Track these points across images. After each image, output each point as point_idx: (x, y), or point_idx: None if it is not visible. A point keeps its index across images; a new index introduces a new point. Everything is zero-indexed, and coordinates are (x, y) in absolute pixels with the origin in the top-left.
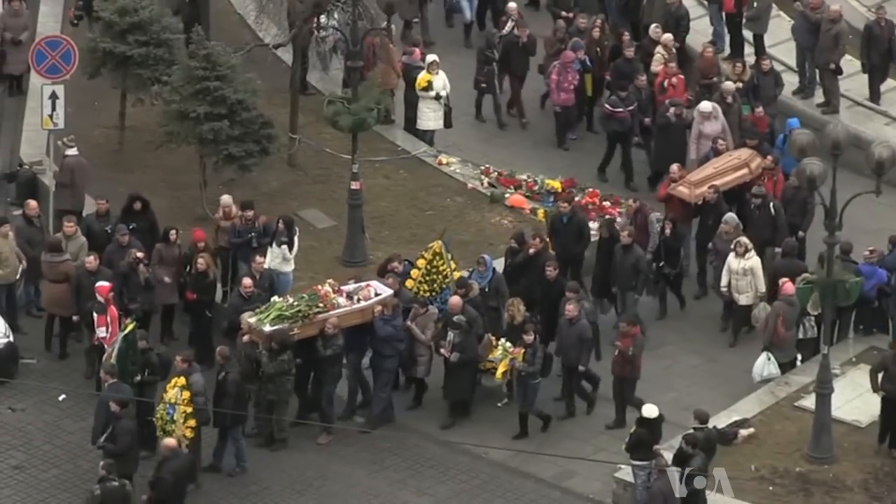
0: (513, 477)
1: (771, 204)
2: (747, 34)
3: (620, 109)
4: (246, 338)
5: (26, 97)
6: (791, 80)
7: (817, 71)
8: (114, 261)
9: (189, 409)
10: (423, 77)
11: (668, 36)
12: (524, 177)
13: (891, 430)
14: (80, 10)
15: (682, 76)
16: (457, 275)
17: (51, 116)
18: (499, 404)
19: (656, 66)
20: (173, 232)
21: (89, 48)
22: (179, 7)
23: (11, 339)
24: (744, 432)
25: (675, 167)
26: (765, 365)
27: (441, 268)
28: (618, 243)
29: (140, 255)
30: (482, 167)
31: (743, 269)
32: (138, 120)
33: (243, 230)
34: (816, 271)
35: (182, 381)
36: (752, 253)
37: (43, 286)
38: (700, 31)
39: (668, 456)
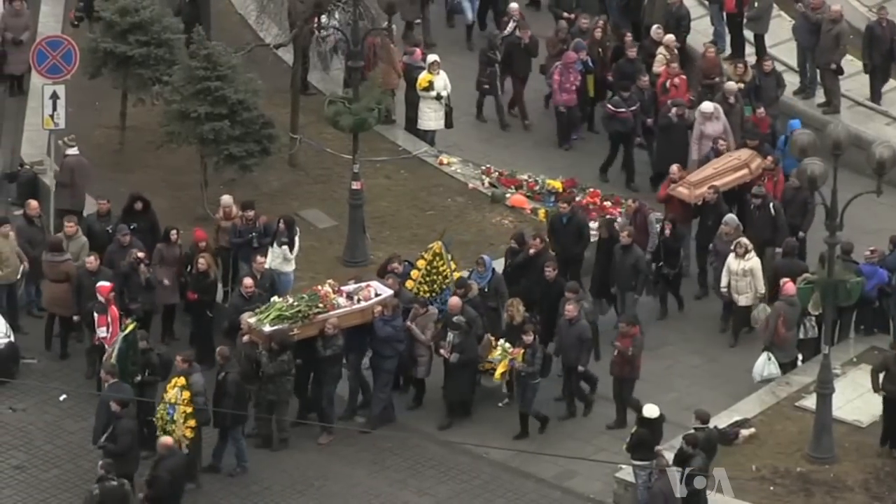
0: (513, 477)
1: (771, 204)
2: (748, 34)
3: (623, 110)
4: (246, 338)
5: (27, 97)
6: (792, 81)
7: (818, 71)
8: (115, 261)
9: (189, 409)
10: (424, 77)
11: (670, 37)
12: (525, 177)
13: (893, 432)
14: (81, 12)
15: (684, 76)
16: (457, 275)
17: (52, 116)
18: (499, 404)
19: (658, 67)
20: (174, 232)
21: (90, 48)
22: (180, 7)
23: (12, 338)
24: (744, 432)
25: (674, 168)
26: (765, 365)
27: (441, 268)
28: (617, 243)
29: (141, 255)
30: (483, 167)
31: (742, 269)
32: (139, 120)
33: (244, 230)
34: (817, 271)
35: (182, 381)
36: (752, 254)
37: (44, 286)
38: (701, 31)
39: (669, 456)
